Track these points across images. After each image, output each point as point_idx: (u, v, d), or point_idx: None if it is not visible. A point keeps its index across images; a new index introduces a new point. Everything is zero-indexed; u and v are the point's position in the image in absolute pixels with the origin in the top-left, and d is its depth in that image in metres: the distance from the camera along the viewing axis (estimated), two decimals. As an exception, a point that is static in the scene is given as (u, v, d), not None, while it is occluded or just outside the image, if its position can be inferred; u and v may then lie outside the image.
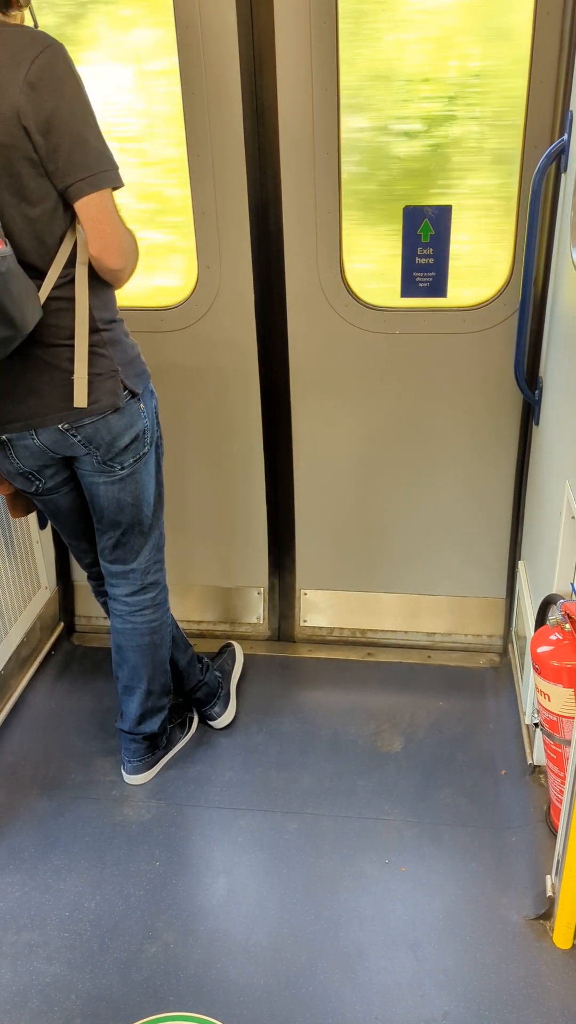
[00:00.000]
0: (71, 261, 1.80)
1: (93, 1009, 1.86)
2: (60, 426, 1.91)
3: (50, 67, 1.64)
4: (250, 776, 2.45)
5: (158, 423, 2.11)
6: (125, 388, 1.93)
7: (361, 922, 2.03)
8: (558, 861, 1.92)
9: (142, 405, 1.99)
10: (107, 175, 1.74)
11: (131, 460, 2.03)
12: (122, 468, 2.03)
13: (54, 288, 1.80)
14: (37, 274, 1.78)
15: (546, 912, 2.00)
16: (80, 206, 1.74)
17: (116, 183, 1.77)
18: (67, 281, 1.81)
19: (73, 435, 1.93)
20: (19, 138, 1.65)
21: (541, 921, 2.00)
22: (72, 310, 1.83)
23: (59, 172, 1.70)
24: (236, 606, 3.05)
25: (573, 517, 1.94)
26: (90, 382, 1.87)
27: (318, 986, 1.89)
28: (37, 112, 1.64)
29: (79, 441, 1.94)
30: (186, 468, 2.83)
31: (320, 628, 3.02)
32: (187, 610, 3.07)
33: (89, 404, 1.89)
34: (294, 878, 2.14)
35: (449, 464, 2.71)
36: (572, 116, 2.06)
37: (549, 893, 2.00)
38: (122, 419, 1.95)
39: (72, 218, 1.78)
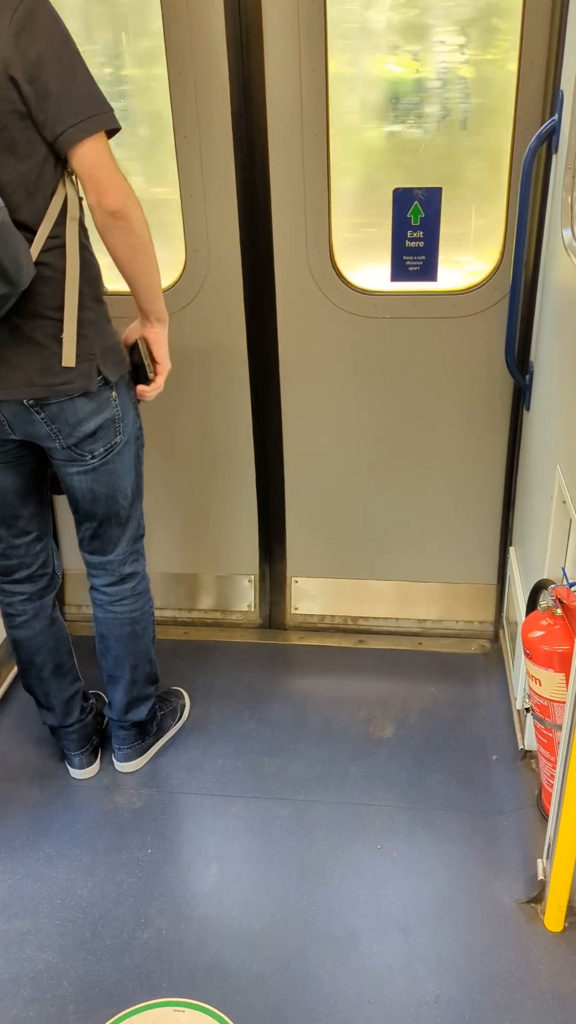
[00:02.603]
0: (61, 219, 1.76)
1: (86, 996, 1.86)
2: (25, 401, 1.87)
3: (32, 13, 1.59)
4: (242, 763, 2.45)
5: (138, 415, 2.07)
6: (100, 374, 1.89)
7: (353, 907, 2.03)
8: (549, 845, 1.93)
9: (114, 394, 1.94)
10: (100, 118, 1.67)
11: (102, 450, 1.98)
12: (93, 457, 1.98)
13: (42, 252, 1.75)
14: (27, 232, 1.73)
15: (537, 895, 2.00)
16: (74, 154, 1.67)
17: (111, 125, 1.69)
18: (56, 245, 1.77)
19: (37, 411, 1.88)
20: (7, 89, 1.61)
21: (532, 904, 2.00)
22: (57, 280, 1.78)
23: (49, 121, 1.64)
24: (227, 594, 3.04)
25: (564, 502, 1.94)
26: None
27: (311, 971, 1.89)
28: (24, 60, 1.60)
29: (42, 418, 1.89)
30: (175, 455, 2.81)
31: (311, 615, 3.02)
32: (177, 598, 3.06)
33: (60, 383, 1.84)
34: (286, 864, 2.14)
35: (440, 450, 2.70)
36: (563, 96, 2.04)
37: (540, 877, 2.01)
38: (90, 404, 1.90)
39: (62, 173, 1.74)
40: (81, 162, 1.69)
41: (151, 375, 2.01)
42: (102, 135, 1.69)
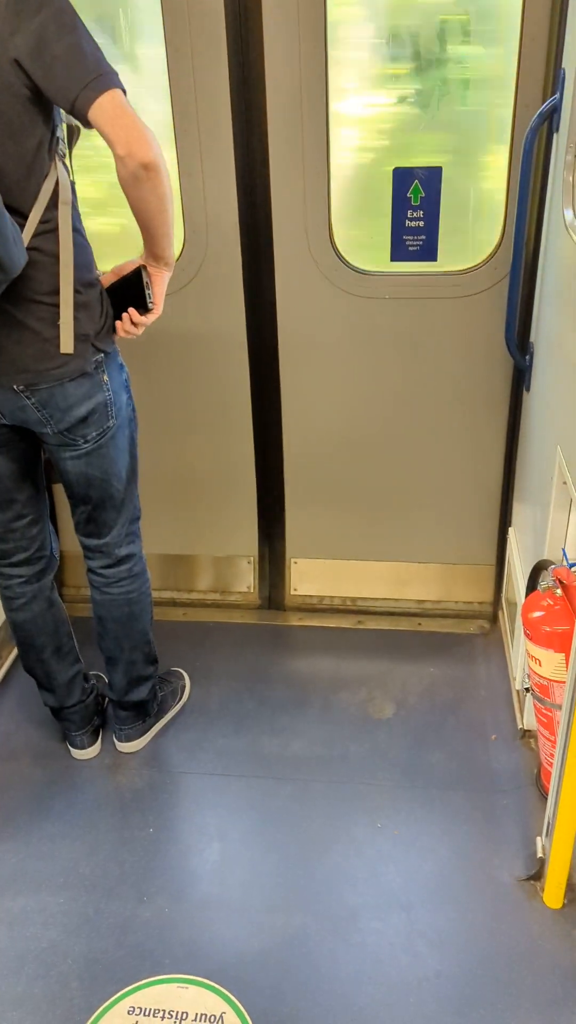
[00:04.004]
0: (53, 203, 1.74)
1: (89, 973, 1.88)
2: (15, 387, 1.86)
3: None
4: (242, 743, 2.46)
5: (130, 398, 2.05)
6: (94, 347, 1.88)
7: (354, 885, 2.05)
8: (548, 823, 1.94)
9: (106, 377, 1.93)
10: (109, 77, 1.63)
11: (94, 434, 1.97)
12: (86, 442, 1.97)
13: (34, 236, 1.73)
14: (19, 217, 1.72)
15: (536, 873, 2.02)
16: (93, 114, 1.61)
17: (120, 85, 1.64)
18: (48, 230, 1.75)
19: (28, 397, 1.87)
20: (9, 74, 1.60)
21: (532, 882, 2.02)
22: (49, 264, 1.77)
23: (61, 89, 1.61)
24: (226, 575, 3.04)
25: (564, 482, 1.94)
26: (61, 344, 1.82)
27: (312, 948, 1.91)
28: (26, 35, 1.57)
29: (32, 404, 1.88)
30: (174, 436, 2.80)
31: (310, 596, 3.02)
32: (176, 580, 3.06)
33: (55, 367, 1.84)
34: (287, 842, 2.16)
35: (439, 430, 2.70)
36: (564, 74, 2.02)
37: (539, 854, 2.02)
38: (80, 388, 1.89)
39: (53, 156, 1.73)
40: (102, 119, 1.62)
41: (150, 305, 1.92)
42: (116, 90, 1.63)
